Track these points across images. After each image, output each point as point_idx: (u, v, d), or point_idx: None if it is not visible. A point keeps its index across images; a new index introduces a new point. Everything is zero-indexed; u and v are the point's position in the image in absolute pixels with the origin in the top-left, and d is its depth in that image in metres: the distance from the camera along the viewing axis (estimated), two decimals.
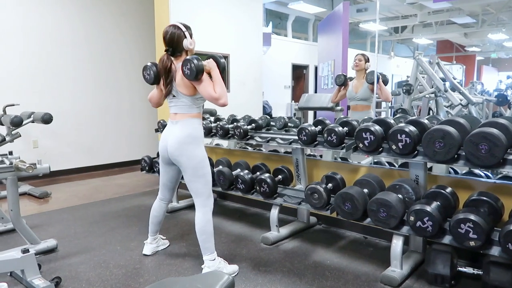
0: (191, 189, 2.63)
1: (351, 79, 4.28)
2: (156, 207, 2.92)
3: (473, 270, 2.46)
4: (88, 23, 5.85)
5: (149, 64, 2.64)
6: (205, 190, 2.60)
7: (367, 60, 4.13)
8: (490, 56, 17.73)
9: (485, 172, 2.98)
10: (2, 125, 4.07)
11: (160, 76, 2.61)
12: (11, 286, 2.45)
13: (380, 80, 3.92)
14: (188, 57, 2.43)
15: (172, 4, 4.78)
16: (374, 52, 14.51)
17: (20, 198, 2.83)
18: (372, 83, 3.90)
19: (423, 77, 6.53)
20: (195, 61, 2.37)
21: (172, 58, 2.55)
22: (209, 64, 2.49)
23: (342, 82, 4.24)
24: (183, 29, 2.52)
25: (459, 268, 2.49)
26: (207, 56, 2.61)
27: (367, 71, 4.10)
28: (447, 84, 5.94)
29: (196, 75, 2.38)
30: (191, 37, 2.54)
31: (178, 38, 2.51)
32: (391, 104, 8.71)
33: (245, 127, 3.52)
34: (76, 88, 5.79)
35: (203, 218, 2.58)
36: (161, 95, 2.68)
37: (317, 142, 2.98)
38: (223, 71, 2.61)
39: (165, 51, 2.56)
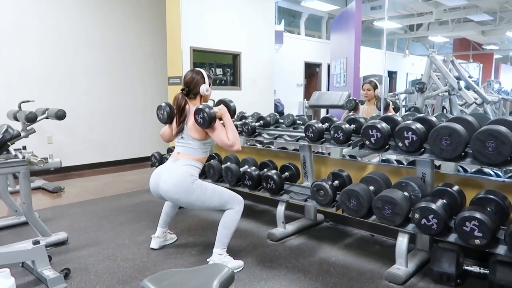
0: (214, 209, 2.67)
1: (362, 102, 4.24)
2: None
3: (480, 269, 2.43)
4: (102, 24, 5.96)
5: (163, 104, 2.75)
6: (224, 199, 2.62)
7: (375, 87, 4.11)
8: (509, 55, 17.35)
9: (495, 171, 2.94)
10: (18, 120, 4.18)
11: (173, 116, 2.71)
12: (23, 277, 2.52)
13: (391, 107, 3.91)
14: (200, 106, 2.52)
15: (184, 4, 4.82)
16: (388, 50, 14.39)
17: (34, 192, 2.92)
18: (384, 109, 3.87)
19: (437, 76, 6.44)
20: (207, 110, 2.47)
21: (187, 98, 2.65)
22: (221, 110, 2.62)
23: (353, 107, 4.20)
24: (204, 75, 2.66)
25: (465, 267, 2.46)
26: (217, 101, 2.79)
27: (377, 96, 4.07)
28: (462, 82, 5.85)
29: (209, 123, 2.49)
30: (209, 85, 2.67)
31: (196, 82, 2.64)
32: (405, 103, 8.61)
33: (253, 124, 3.54)
34: (90, 86, 5.90)
35: (233, 215, 2.62)
36: (172, 133, 2.76)
37: (324, 139, 2.98)
38: (234, 114, 2.78)
39: (181, 90, 2.66)
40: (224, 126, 2.61)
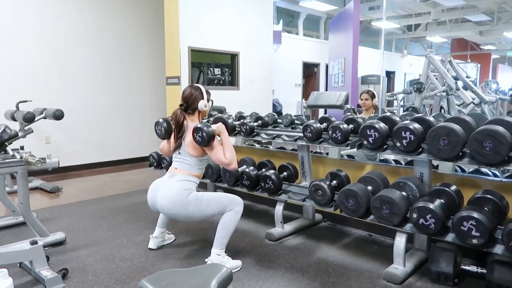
0: (213, 216, 2.66)
1: (360, 112, 4.24)
2: None
3: (477, 268, 2.44)
4: (100, 23, 5.95)
5: (161, 120, 2.78)
6: (222, 204, 2.63)
7: (373, 97, 4.12)
8: (506, 55, 17.40)
9: (493, 171, 2.95)
10: (15, 121, 4.18)
11: (170, 131, 2.74)
12: (20, 277, 2.52)
13: None
14: (199, 125, 2.55)
15: (182, 4, 4.81)
16: (386, 50, 14.41)
17: (32, 192, 2.91)
18: None
19: (435, 76, 6.46)
20: (206, 129, 2.50)
21: (185, 114, 2.67)
22: (219, 128, 2.65)
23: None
24: (203, 90, 2.69)
25: (463, 267, 2.47)
26: (215, 119, 2.79)
27: (375, 106, 4.08)
28: (459, 82, 5.86)
29: (208, 142, 2.51)
30: (207, 101, 2.71)
31: (195, 98, 2.67)
32: (403, 103, 8.63)
33: (251, 124, 3.54)
34: (87, 86, 5.89)
35: (232, 216, 2.63)
36: (170, 148, 2.77)
37: (322, 139, 2.98)
38: (232, 131, 2.84)
39: (179, 105, 2.68)
40: (221, 143, 2.64)
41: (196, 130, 2.54)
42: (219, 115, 2.89)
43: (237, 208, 2.65)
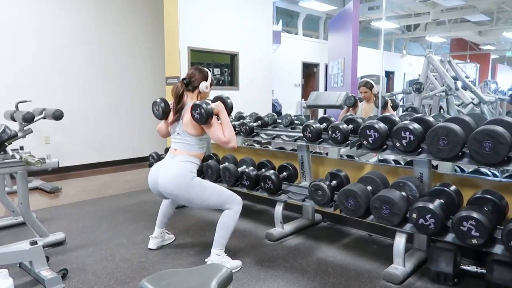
0: (212, 208, 2.66)
1: (361, 100, 4.25)
2: (166, 201, 2.98)
3: (477, 268, 2.45)
4: (99, 23, 5.94)
5: (158, 100, 2.76)
6: (223, 198, 2.62)
7: (372, 87, 4.12)
8: (505, 55, 17.41)
9: (492, 171, 2.95)
10: (15, 121, 4.17)
11: (168, 111, 2.72)
12: (20, 277, 2.52)
13: (389, 106, 3.92)
14: (197, 102, 2.52)
15: (181, 2, 4.81)
16: (386, 50, 14.41)
17: (31, 193, 2.91)
18: (383, 107, 3.87)
19: (434, 76, 6.46)
20: (204, 106, 2.46)
21: (185, 89, 2.65)
22: (218, 107, 2.61)
23: (352, 103, 4.19)
24: (209, 74, 2.69)
25: (463, 267, 2.47)
26: (214, 98, 2.79)
27: (375, 95, 4.08)
28: (459, 82, 5.87)
29: (206, 119, 2.48)
30: (210, 85, 2.69)
31: (198, 77, 2.66)
32: (402, 103, 8.64)
33: (251, 124, 3.54)
34: (87, 86, 5.88)
35: (231, 215, 2.62)
36: (168, 129, 2.76)
37: (321, 139, 2.98)
38: (231, 111, 2.79)
39: (182, 79, 2.66)
40: (220, 123, 2.60)
41: (194, 107, 2.50)
42: (218, 94, 2.85)
43: (236, 207, 2.64)
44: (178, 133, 2.65)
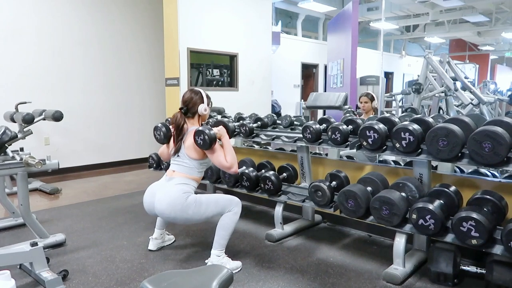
0: (212, 218, 2.65)
1: (360, 114, 4.25)
2: None
3: (477, 269, 2.45)
4: (99, 23, 5.95)
5: (159, 125, 2.79)
6: (221, 206, 2.62)
7: (372, 99, 4.13)
8: (504, 55, 17.44)
9: (492, 171, 2.96)
10: (15, 122, 4.17)
11: (169, 136, 2.75)
12: (21, 278, 2.52)
13: None
14: (200, 128, 2.55)
15: (181, 3, 4.82)
16: (385, 51, 14.43)
17: (31, 194, 2.91)
18: None
19: (433, 76, 6.47)
20: (207, 132, 2.50)
21: (185, 117, 2.68)
22: (220, 131, 2.65)
23: None
24: (203, 94, 2.70)
25: (462, 267, 2.48)
26: (215, 122, 2.86)
27: (374, 108, 4.10)
28: (458, 83, 5.88)
29: (209, 145, 2.51)
30: (208, 105, 2.71)
31: (195, 101, 2.68)
32: (402, 104, 8.64)
33: (251, 125, 3.54)
34: (87, 87, 5.89)
35: (231, 217, 2.63)
36: (170, 152, 2.78)
37: (321, 140, 2.99)
38: (232, 134, 2.87)
39: (179, 109, 2.69)
40: (222, 147, 2.64)
41: (197, 133, 2.54)
42: (220, 118, 2.89)
43: (235, 209, 2.65)
44: (178, 155, 2.67)
